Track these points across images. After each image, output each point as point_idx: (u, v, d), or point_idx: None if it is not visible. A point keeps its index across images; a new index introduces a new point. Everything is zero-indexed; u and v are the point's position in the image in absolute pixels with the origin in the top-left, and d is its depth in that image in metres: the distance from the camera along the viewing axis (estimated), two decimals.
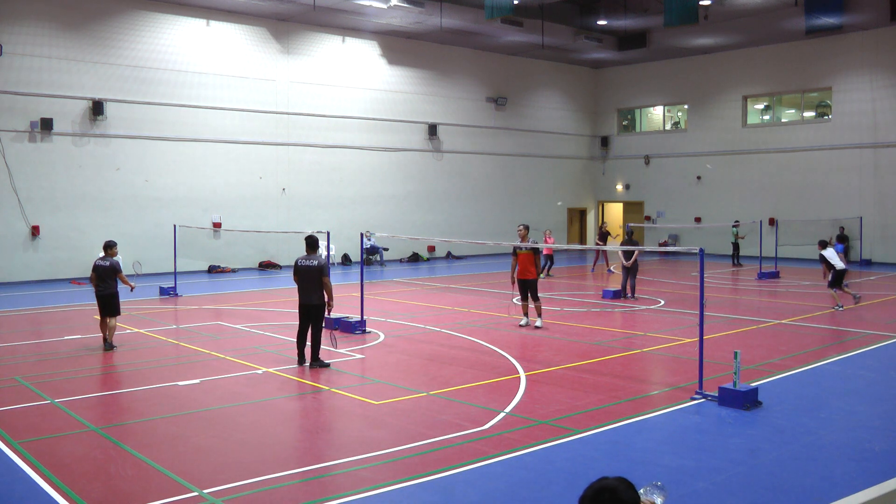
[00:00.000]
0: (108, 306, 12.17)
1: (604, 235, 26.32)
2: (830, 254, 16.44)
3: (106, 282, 12.20)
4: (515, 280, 14.29)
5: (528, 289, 14.22)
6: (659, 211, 34.48)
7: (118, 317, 12.44)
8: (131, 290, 13.15)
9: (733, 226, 28.07)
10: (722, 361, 10.78)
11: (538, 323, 14.16)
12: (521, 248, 14.16)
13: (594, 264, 27.10)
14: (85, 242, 22.24)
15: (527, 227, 14.60)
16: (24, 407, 8.86)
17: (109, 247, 12.44)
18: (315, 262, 10.97)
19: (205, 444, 7.51)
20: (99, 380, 10.56)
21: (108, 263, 12.29)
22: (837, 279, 16.30)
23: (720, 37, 29.69)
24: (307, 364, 10.87)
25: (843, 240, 27.65)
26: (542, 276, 21.71)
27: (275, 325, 14.56)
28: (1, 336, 13.44)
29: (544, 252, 22.72)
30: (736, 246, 27.59)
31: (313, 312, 10.94)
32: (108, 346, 12.13)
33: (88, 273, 22.06)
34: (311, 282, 10.91)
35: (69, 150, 22.27)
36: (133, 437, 7.66)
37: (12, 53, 21.16)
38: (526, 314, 14.53)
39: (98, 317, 12.63)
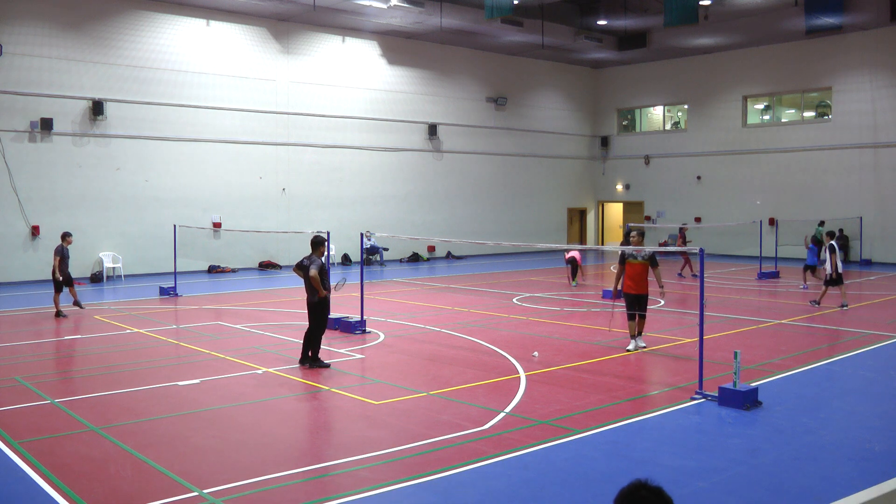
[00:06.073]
0: (69, 282, 16.24)
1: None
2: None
3: (67, 264, 16.27)
4: (620, 292, 12.33)
5: (638, 305, 12.16)
6: (659, 211, 34.48)
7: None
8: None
9: (819, 225, 27.83)
10: (722, 361, 10.78)
11: (642, 343, 12.29)
12: (634, 257, 12.02)
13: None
14: (85, 242, 22.21)
15: (642, 234, 12.64)
16: (24, 407, 8.86)
17: (70, 236, 16.65)
18: (306, 262, 11.19)
19: (205, 444, 7.50)
20: (99, 380, 10.56)
21: (68, 251, 16.58)
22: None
23: (720, 37, 29.68)
24: (307, 364, 10.88)
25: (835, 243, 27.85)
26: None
27: (275, 325, 14.56)
28: (1, 336, 13.44)
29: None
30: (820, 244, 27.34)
31: (309, 310, 11.10)
32: (80, 305, 16.53)
33: (88, 273, 22.40)
34: (305, 280, 11.20)
35: (69, 150, 22.27)
36: (133, 437, 7.65)
37: (12, 53, 21.16)
38: (633, 335, 12.23)
39: (57, 293, 16.03)
